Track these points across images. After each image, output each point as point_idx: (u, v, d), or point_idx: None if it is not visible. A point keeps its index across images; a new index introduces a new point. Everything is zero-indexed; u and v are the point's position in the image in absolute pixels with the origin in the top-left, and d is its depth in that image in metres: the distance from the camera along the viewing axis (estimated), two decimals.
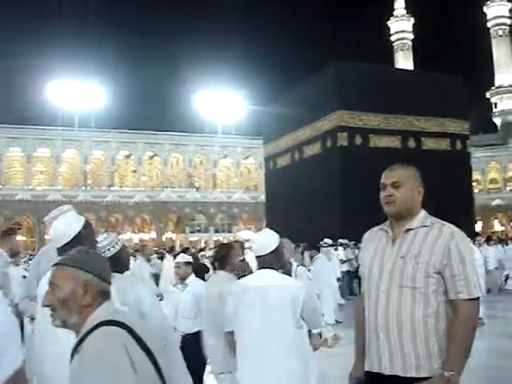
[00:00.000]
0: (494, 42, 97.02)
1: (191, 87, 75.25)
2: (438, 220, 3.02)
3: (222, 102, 72.77)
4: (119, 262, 3.74)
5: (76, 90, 67.64)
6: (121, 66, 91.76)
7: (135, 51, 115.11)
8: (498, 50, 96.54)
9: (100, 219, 60.37)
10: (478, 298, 2.83)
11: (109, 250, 3.70)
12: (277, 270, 3.84)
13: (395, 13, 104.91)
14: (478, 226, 58.07)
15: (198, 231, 65.55)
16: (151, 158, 69.93)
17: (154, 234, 62.64)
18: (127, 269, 4.08)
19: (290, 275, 5.18)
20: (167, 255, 15.88)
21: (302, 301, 3.70)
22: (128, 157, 69.01)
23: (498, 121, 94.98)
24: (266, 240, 3.89)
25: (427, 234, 2.92)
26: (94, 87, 69.16)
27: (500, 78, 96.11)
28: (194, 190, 68.74)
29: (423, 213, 3.06)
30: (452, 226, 2.96)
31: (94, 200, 61.42)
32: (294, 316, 3.68)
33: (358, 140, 28.11)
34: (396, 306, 2.85)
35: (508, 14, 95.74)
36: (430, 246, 2.85)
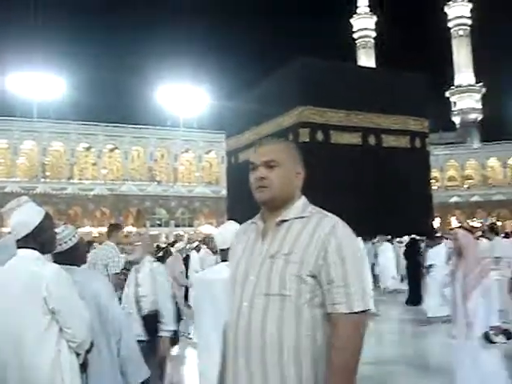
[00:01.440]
0: (454, 42, 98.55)
1: (154, 80, 74.79)
2: (321, 210, 2.44)
3: (185, 95, 72.34)
4: (76, 255, 3.70)
5: (35, 80, 66.36)
6: (82, 58, 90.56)
7: (97, 43, 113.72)
8: (458, 50, 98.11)
9: (59, 212, 59.45)
10: (362, 311, 2.20)
11: (66, 242, 3.66)
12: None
13: (358, 10, 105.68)
14: (436, 223, 59.09)
15: (159, 225, 65.14)
16: (112, 150, 69.13)
17: None
18: (84, 262, 4.03)
19: None
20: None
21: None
22: (88, 149, 68.09)
23: (457, 119, 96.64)
24: (228, 233, 3.84)
25: (304, 226, 2.31)
26: (54, 78, 67.98)
27: (459, 78, 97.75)
28: (155, 183, 68.27)
29: (302, 201, 2.47)
30: (336, 217, 2.38)
31: (52, 192, 60.51)
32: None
33: (320, 136, 28.26)
34: (260, 322, 2.22)
35: (469, 15, 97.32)
36: (305, 242, 2.25)
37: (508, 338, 5.49)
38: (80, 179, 67.28)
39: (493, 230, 15.11)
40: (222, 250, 3.90)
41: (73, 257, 3.65)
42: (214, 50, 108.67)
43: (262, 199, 2.43)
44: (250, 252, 2.40)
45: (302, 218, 2.36)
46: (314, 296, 2.23)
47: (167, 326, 5.33)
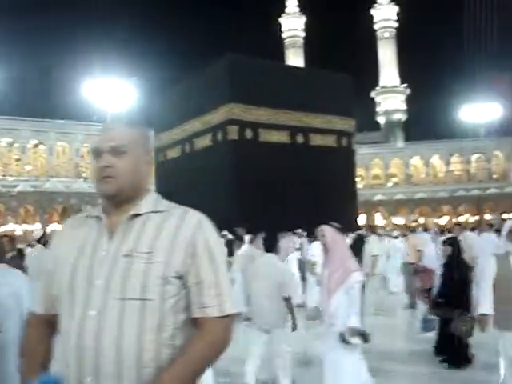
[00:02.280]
0: (380, 44, 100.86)
1: (80, 74, 72.98)
2: (179, 205, 2.21)
3: (112, 90, 71.06)
4: None
5: None
6: (7, 52, 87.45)
7: (22, 38, 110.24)
8: (384, 52, 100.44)
9: None
10: (233, 314, 2.04)
11: None
12: None
13: (287, 10, 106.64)
14: (362, 220, 60.48)
15: None
16: (36, 146, 67.15)
17: (38, 226, 60.38)
18: (2, 261, 4.00)
19: None
20: None
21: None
22: (11, 144, 65.89)
23: (381, 119, 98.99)
24: None
25: (163, 222, 2.05)
26: None
27: (384, 79, 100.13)
28: (81, 180, 66.85)
29: (154, 194, 2.21)
30: (197, 212, 2.18)
31: None
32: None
33: (249, 134, 28.43)
34: (115, 331, 1.88)
35: (395, 18, 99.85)
36: (169, 239, 1.99)
37: (364, 341, 5.51)
38: (3, 175, 65.07)
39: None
40: None
41: None
42: (142, 44, 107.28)
43: (108, 192, 2.05)
44: (92, 251, 2.02)
45: (160, 212, 2.10)
46: (179, 299, 1.99)
47: None
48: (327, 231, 5.84)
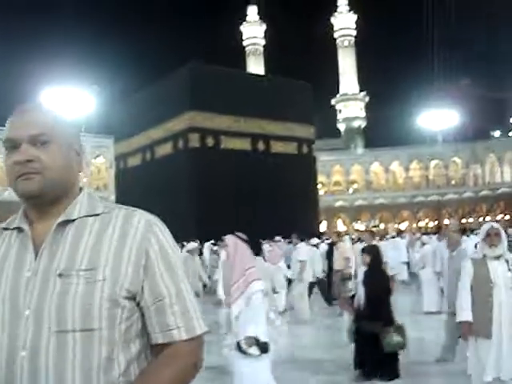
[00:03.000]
0: (339, 52, 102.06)
1: (38, 82, 71.96)
2: (118, 205, 1.72)
3: (71, 98, 70.22)
4: None
5: None
6: None
7: None
8: (343, 60, 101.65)
9: None
10: (203, 334, 1.63)
11: None
12: None
13: (248, 18, 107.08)
14: (323, 226, 60.91)
15: None
16: None
17: None
18: None
19: None
20: None
21: None
22: None
23: (341, 126, 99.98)
24: None
25: (104, 228, 1.58)
26: None
27: (344, 86, 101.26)
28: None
29: (88, 192, 1.70)
30: (146, 212, 1.68)
31: None
32: None
33: (210, 141, 28.41)
34: (55, 374, 1.45)
35: (354, 26, 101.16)
36: (113, 249, 1.54)
37: (263, 351, 5.37)
38: None
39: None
40: None
41: None
42: (103, 52, 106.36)
43: (31, 192, 1.57)
44: (15, 273, 1.55)
45: (98, 215, 1.62)
46: (132, 325, 1.56)
47: None
48: (230, 240, 5.77)
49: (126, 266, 1.54)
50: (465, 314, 5.55)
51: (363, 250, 7.90)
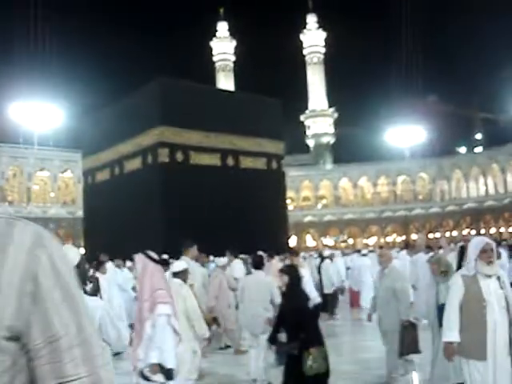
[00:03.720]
0: (308, 69, 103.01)
1: (5, 95, 71.12)
2: None
3: (39, 112, 69.57)
4: None
5: None
6: None
7: None
8: (313, 76, 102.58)
9: None
10: None
11: None
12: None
13: (218, 34, 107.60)
14: (293, 241, 61.11)
15: None
16: None
17: None
18: None
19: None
20: None
21: (97, 320, 3.55)
22: None
23: (310, 142, 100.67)
24: None
25: None
26: None
27: (313, 103, 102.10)
28: (6, 204, 64.83)
29: None
30: (31, 223, 1.23)
31: None
32: None
33: (180, 156, 28.38)
34: None
35: (323, 43, 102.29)
36: None
37: (168, 378, 5.19)
38: None
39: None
40: None
41: None
42: (71, 66, 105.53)
43: None
44: None
45: None
46: (16, 374, 1.16)
47: None
48: (139, 259, 5.60)
49: (6, 295, 1.14)
50: (453, 334, 5.25)
51: (281, 270, 7.42)
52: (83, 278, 3.71)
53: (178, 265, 7.32)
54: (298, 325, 6.55)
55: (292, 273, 7.08)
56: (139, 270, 5.47)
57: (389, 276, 7.74)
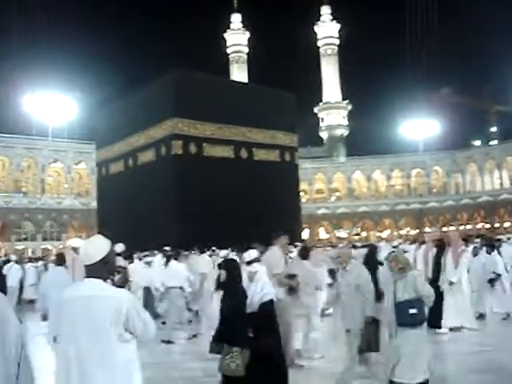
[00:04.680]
0: (323, 60, 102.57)
1: (20, 87, 71.48)
2: None
3: (54, 104, 69.86)
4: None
5: None
6: None
7: None
8: (327, 68, 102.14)
9: None
10: None
11: None
12: (105, 279, 3.57)
13: (232, 26, 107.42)
14: (305, 234, 61.05)
15: (25, 239, 62.35)
16: None
17: None
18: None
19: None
20: None
21: (124, 313, 3.45)
22: None
23: (324, 135, 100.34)
24: (92, 248, 3.62)
25: None
26: None
27: (327, 95, 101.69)
28: (21, 195, 65.24)
29: None
30: None
31: None
32: (117, 329, 3.43)
33: (193, 149, 28.41)
34: None
35: (337, 35, 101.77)
36: None
37: None
38: None
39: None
40: (86, 266, 3.60)
41: None
42: (86, 58, 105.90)
43: None
44: None
45: None
46: None
47: None
48: (68, 255, 5.59)
49: None
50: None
51: (219, 266, 6.95)
52: (111, 268, 3.68)
53: (250, 253, 7.18)
54: (231, 322, 6.19)
55: (230, 268, 6.56)
56: (69, 264, 5.37)
57: (351, 273, 7.46)
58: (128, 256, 13.13)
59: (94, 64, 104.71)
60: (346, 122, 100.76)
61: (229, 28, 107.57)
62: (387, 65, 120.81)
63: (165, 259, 15.08)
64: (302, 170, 41.77)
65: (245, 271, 6.64)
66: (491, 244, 14.73)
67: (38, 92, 69.33)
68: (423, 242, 13.21)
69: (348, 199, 78.62)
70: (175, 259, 12.92)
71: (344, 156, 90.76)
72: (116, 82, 77.64)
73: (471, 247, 14.93)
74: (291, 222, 30.34)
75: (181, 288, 12.40)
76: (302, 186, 59.62)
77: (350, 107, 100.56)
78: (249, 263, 6.92)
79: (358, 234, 72.61)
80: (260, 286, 6.57)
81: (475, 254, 14.20)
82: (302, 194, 53.12)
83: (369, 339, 7.19)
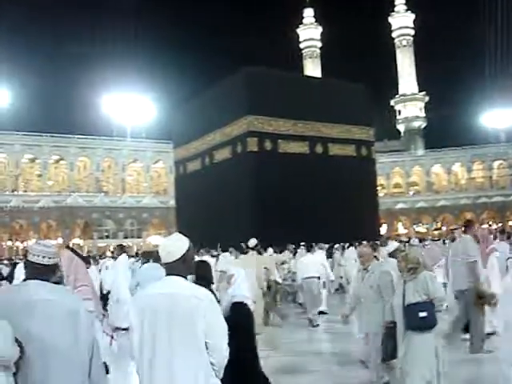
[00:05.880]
0: (398, 52, 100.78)
1: (99, 89, 73.71)
2: None
3: (132, 104, 71.68)
4: (55, 271, 3.56)
5: None
6: (26, 68, 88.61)
7: (41, 52, 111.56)
8: (402, 60, 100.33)
9: (3, 225, 58.05)
10: None
11: (52, 258, 3.53)
12: (185, 277, 3.54)
13: (304, 21, 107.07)
14: (383, 229, 60.11)
15: (107, 237, 64.24)
16: (57, 161, 67.81)
17: (60, 240, 60.85)
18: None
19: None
20: None
21: (203, 314, 3.36)
22: (33, 160, 66.64)
23: (401, 127, 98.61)
24: (172, 247, 3.59)
25: None
26: None
27: (403, 87, 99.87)
28: (102, 194, 67.29)
29: None
30: None
31: None
32: (195, 331, 3.34)
33: (268, 145, 28.43)
34: None
35: (412, 25, 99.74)
36: None
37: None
38: (25, 191, 65.78)
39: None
40: (165, 264, 3.59)
41: (52, 273, 3.52)
42: (161, 58, 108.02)
43: None
44: None
45: None
46: None
47: None
48: (65, 254, 5.36)
49: None
50: None
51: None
52: (190, 266, 3.65)
53: (392, 245, 7.43)
54: None
55: (199, 269, 5.75)
56: (65, 264, 5.15)
57: (372, 274, 7.11)
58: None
59: (169, 65, 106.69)
60: (423, 114, 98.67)
61: (301, 23, 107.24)
62: (465, 53, 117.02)
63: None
64: (379, 164, 41.14)
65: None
66: None
67: (116, 93, 71.28)
68: (454, 240, 12.04)
69: (427, 193, 76.91)
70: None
71: (422, 149, 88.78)
72: (191, 81, 78.77)
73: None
74: (369, 217, 29.91)
75: None
76: (380, 180, 58.74)
77: (426, 98, 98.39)
78: (390, 255, 7.16)
79: (438, 229, 70.82)
80: (232, 290, 6.43)
81: None
82: (379, 188, 52.31)
83: (390, 346, 6.65)
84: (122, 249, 14.48)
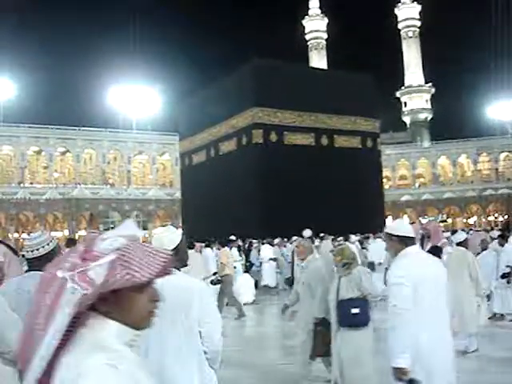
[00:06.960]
0: (404, 43, 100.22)
1: (105, 81, 73.78)
2: None
3: (137, 96, 71.67)
4: (51, 261, 3.60)
5: None
6: (31, 60, 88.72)
7: (47, 45, 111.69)
8: (408, 51, 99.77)
9: (10, 217, 58.22)
10: None
11: (43, 247, 3.62)
12: (178, 268, 3.52)
13: (310, 12, 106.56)
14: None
15: (113, 229, 64.24)
16: (63, 153, 67.95)
17: (66, 232, 61.05)
18: None
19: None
20: None
21: (196, 304, 3.41)
22: (39, 152, 66.80)
23: (407, 119, 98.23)
24: (165, 239, 3.62)
25: None
26: (3, 81, 66.55)
27: (409, 78, 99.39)
28: (108, 186, 67.41)
29: None
30: None
31: (2, 197, 59.13)
32: (187, 321, 3.38)
33: (273, 137, 28.42)
34: None
35: (418, 16, 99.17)
36: None
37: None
38: (31, 183, 65.94)
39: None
40: None
41: (48, 262, 3.56)
42: (167, 50, 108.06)
43: None
44: None
45: None
46: None
47: None
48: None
49: None
50: None
51: None
52: (183, 257, 3.68)
53: (460, 234, 8.44)
54: None
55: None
56: (2, 259, 5.20)
57: (306, 269, 6.91)
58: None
59: (175, 57, 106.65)
60: (429, 106, 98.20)
61: (307, 14, 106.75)
62: (471, 45, 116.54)
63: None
64: (384, 156, 41.09)
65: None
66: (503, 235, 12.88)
67: (122, 85, 71.29)
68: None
69: (433, 185, 76.70)
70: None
71: (428, 141, 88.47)
72: (197, 74, 78.78)
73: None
74: (374, 209, 29.90)
75: None
76: (385, 172, 58.62)
77: (433, 90, 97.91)
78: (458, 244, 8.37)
79: (444, 221, 70.66)
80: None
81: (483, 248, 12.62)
82: (384, 180, 52.22)
83: (318, 343, 6.49)
84: None
